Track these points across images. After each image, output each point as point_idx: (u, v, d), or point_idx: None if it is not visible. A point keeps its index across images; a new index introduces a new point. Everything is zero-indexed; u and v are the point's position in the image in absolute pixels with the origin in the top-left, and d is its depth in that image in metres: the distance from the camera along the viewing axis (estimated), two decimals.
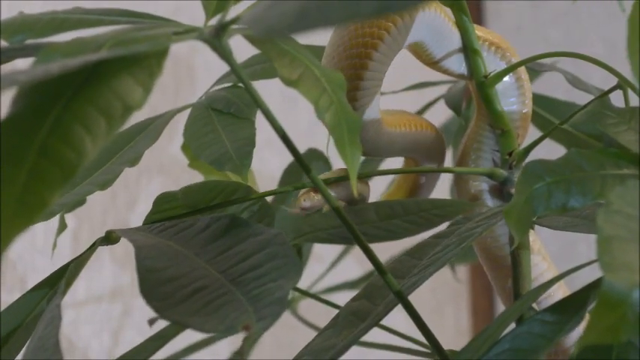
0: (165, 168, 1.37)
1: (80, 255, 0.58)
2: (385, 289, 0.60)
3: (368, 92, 0.67)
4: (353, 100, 0.67)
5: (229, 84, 0.80)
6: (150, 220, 0.63)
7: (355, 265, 1.41)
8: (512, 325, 0.58)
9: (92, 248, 0.58)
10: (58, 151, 0.40)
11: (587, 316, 0.54)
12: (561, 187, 0.51)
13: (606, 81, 0.71)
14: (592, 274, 0.57)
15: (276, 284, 0.44)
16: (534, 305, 0.68)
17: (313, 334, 0.63)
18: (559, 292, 0.74)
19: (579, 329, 0.56)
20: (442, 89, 0.94)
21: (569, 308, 0.53)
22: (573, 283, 0.64)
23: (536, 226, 0.70)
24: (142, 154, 0.69)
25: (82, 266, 0.57)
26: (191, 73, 1.42)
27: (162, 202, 0.63)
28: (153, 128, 0.72)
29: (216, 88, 0.79)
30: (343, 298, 0.88)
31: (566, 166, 0.52)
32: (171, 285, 0.45)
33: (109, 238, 0.59)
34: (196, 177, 0.90)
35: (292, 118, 1.48)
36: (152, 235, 0.53)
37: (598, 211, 0.43)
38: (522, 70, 0.71)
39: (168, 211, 0.64)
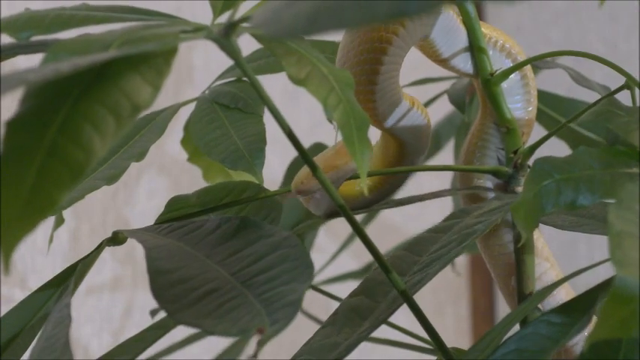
0: (166, 167, 1.37)
1: (87, 255, 0.57)
2: (386, 285, 0.60)
3: (384, 93, 0.67)
4: (371, 101, 0.67)
5: (232, 78, 0.79)
6: (161, 220, 0.63)
7: (352, 258, 1.41)
8: (516, 327, 0.57)
9: (99, 249, 0.58)
10: (67, 151, 0.40)
11: (594, 319, 0.54)
12: (570, 184, 0.51)
13: (607, 80, 0.71)
14: (592, 274, 0.57)
15: (289, 287, 0.44)
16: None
17: (315, 330, 0.63)
18: (562, 291, 0.74)
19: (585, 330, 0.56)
20: (445, 85, 0.94)
21: (577, 310, 0.53)
22: (574, 282, 0.64)
23: (539, 225, 0.70)
24: (148, 149, 0.68)
25: (90, 266, 0.57)
26: (191, 73, 1.42)
27: (175, 204, 0.63)
28: (157, 122, 0.72)
29: (219, 82, 0.79)
30: (344, 288, 0.88)
31: (575, 164, 0.52)
32: (182, 287, 0.45)
33: (116, 239, 0.59)
34: (197, 176, 0.90)
35: (294, 117, 1.48)
36: (161, 235, 0.53)
37: (609, 207, 0.43)
38: (528, 68, 0.71)
39: (180, 210, 0.63)
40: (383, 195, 0.72)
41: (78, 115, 0.41)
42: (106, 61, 0.42)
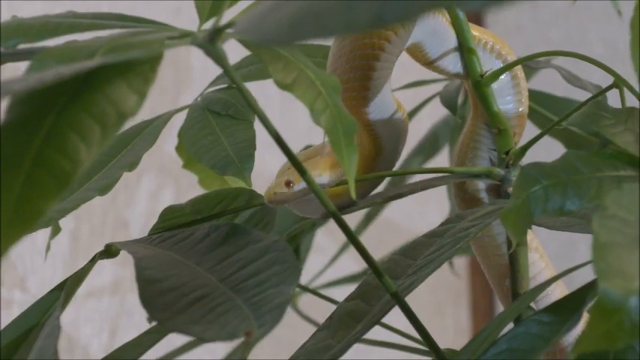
0: (165, 168, 1.37)
1: (79, 270, 0.58)
2: (380, 289, 0.60)
3: (375, 98, 0.67)
4: (363, 106, 0.67)
5: (225, 85, 0.79)
6: (155, 230, 0.63)
7: (352, 260, 1.41)
8: (511, 325, 0.58)
9: (92, 262, 0.58)
10: (53, 160, 0.40)
11: (585, 315, 0.54)
12: (558, 189, 0.51)
13: (605, 81, 0.70)
14: (591, 273, 0.57)
15: (277, 290, 0.44)
16: (531, 304, 0.68)
17: (314, 330, 0.63)
18: (557, 291, 0.74)
19: (577, 328, 0.56)
20: (438, 87, 0.94)
21: (567, 308, 0.53)
22: (572, 282, 0.64)
23: (535, 226, 0.70)
24: (140, 158, 0.68)
25: (82, 280, 0.57)
26: (189, 74, 1.42)
27: (169, 213, 0.63)
28: (150, 131, 0.72)
29: (212, 89, 0.79)
30: (344, 290, 0.87)
31: (563, 169, 0.52)
32: (172, 295, 0.46)
33: (109, 252, 0.59)
34: (196, 177, 0.90)
35: (291, 119, 1.48)
36: (152, 246, 0.53)
37: (593, 216, 0.43)
38: (518, 68, 0.71)
39: (174, 219, 0.64)
40: (361, 196, 0.73)
41: (64, 124, 0.41)
42: (92, 68, 0.42)
